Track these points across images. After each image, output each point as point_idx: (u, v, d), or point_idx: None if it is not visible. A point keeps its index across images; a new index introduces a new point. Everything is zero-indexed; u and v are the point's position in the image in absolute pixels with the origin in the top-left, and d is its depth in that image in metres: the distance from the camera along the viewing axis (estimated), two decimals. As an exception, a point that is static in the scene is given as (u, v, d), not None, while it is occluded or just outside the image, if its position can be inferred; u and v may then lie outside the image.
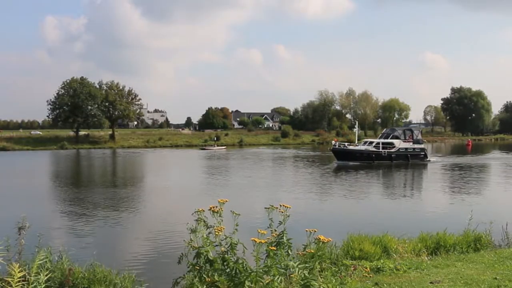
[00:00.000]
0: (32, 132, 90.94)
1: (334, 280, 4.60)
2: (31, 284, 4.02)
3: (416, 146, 45.60)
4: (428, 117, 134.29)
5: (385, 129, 54.98)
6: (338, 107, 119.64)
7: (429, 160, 45.35)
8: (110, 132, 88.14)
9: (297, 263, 4.16)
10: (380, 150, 44.23)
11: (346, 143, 49.76)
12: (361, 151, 44.76)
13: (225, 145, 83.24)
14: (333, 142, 48.77)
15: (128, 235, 16.11)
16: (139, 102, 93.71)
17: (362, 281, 7.02)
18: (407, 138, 46.04)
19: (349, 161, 43.29)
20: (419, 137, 46.76)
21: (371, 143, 46.04)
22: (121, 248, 14.36)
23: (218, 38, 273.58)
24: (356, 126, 55.84)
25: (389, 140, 45.59)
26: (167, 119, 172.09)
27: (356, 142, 50.71)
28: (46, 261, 7.57)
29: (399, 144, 45.00)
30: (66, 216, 19.00)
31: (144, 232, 15.95)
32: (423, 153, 45.72)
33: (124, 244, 14.95)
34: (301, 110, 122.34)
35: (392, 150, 44.60)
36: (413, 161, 44.14)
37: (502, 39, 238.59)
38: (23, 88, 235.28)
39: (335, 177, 34.62)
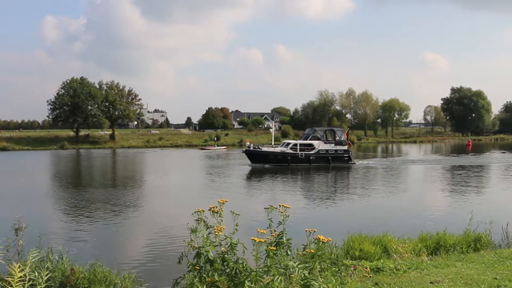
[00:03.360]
0: (103, 132, 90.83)
1: (334, 280, 4.60)
2: (28, 282, 4.02)
3: (338, 147, 42.82)
4: (428, 117, 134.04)
5: (307, 129, 51.29)
6: (338, 107, 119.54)
7: (353, 163, 42.76)
8: (110, 132, 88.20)
9: (297, 263, 4.16)
10: (297, 152, 41.65)
11: (259, 145, 47.46)
12: (276, 153, 42.17)
13: (225, 145, 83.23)
14: (247, 143, 46.23)
15: (128, 235, 16.13)
16: (139, 102, 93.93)
17: (362, 281, 7.02)
18: (329, 139, 43.52)
19: (263, 164, 41.14)
20: (343, 138, 43.69)
21: (288, 144, 43.27)
22: (121, 248, 14.37)
23: (219, 38, 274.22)
24: (272, 126, 51.31)
25: (307, 142, 42.83)
26: (167, 119, 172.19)
27: (273, 143, 47.97)
28: (46, 261, 7.59)
29: (318, 145, 42.26)
30: (66, 216, 19.01)
31: (144, 232, 15.97)
32: (347, 155, 42.94)
33: (124, 244, 14.96)
34: (301, 110, 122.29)
35: (311, 152, 41.94)
36: (335, 164, 41.47)
37: (502, 39, 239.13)
38: (23, 88, 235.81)
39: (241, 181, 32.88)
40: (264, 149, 44.24)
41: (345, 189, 28.34)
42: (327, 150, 42.50)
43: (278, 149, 43.30)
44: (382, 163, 45.49)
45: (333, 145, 42.82)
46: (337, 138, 43.46)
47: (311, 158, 41.75)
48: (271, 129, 50.98)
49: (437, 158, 53.39)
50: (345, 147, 43.38)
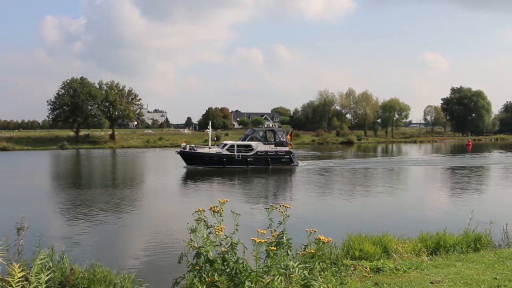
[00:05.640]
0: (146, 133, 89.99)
1: (334, 280, 4.60)
2: (32, 284, 4.02)
3: (279, 149, 40.94)
4: (428, 117, 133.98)
5: (248, 130, 48.99)
6: (338, 107, 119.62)
7: (296, 164, 40.83)
8: (110, 132, 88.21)
9: (297, 263, 4.16)
10: (234, 153, 40.18)
11: (194, 146, 45.88)
12: (211, 155, 40.62)
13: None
14: (182, 144, 44.90)
15: (128, 235, 16.12)
16: (139, 102, 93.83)
17: (362, 281, 7.02)
18: (270, 140, 41.73)
19: (198, 166, 40.01)
20: (284, 139, 41.64)
21: (225, 145, 41.74)
22: (121, 248, 14.37)
23: (219, 38, 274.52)
24: (209, 126, 49.28)
25: (245, 142, 41.25)
26: (167, 119, 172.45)
27: (210, 144, 46.43)
28: (48, 261, 7.60)
29: (257, 146, 40.57)
30: (66, 216, 19.01)
31: (144, 232, 15.97)
32: (288, 156, 40.91)
33: (124, 244, 14.95)
34: (301, 110, 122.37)
35: (249, 154, 40.36)
36: (275, 166, 40.03)
37: (502, 39, 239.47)
38: (23, 88, 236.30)
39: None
40: (199, 150, 42.66)
41: (285, 191, 27.85)
42: (266, 152, 40.74)
43: (214, 150, 41.88)
44: (323, 165, 43.43)
45: (273, 146, 41.06)
46: (278, 139, 41.57)
47: (248, 159, 40.21)
48: (207, 129, 49.54)
49: (408, 158, 53.13)
50: (286, 148, 41.51)
